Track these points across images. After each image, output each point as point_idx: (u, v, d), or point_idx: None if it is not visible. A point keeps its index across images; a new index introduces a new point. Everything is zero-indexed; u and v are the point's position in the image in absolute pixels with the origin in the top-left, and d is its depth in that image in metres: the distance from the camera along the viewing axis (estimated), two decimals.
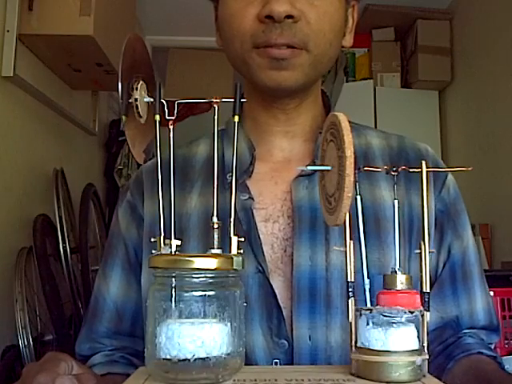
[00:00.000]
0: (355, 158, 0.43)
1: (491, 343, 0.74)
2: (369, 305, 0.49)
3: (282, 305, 0.66)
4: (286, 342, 0.65)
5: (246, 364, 0.48)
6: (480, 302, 0.73)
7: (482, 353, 0.68)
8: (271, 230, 0.70)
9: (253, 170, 0.73)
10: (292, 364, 0.65)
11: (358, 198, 0.51)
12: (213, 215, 0.48)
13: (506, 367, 0.67)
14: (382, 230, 0.69)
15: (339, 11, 0.69)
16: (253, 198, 0.70)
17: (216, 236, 0.47)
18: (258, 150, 0.74)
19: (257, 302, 0.66)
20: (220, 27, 0.72)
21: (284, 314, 0.66)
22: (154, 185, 0.54)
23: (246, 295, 0.65)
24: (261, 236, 0.68)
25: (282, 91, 0.70)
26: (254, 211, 0.70)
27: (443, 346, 0.70)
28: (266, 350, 0.65)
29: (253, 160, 0.73)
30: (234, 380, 0.45)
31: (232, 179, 0.49)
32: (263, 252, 0.68)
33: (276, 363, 0.65)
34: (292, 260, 0.67)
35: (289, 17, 0.64)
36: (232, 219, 0.47)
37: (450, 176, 0.76)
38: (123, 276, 0.75)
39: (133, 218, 0.76)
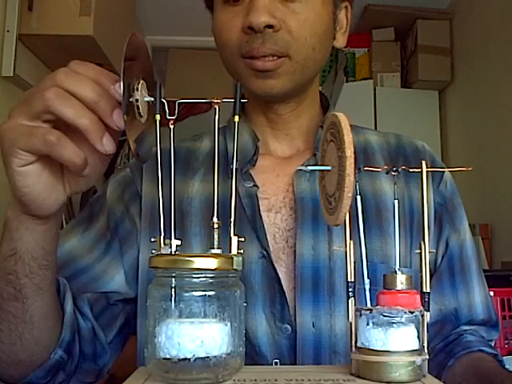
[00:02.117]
0: (355, 157, 0.43)
1: (491, 340, 0.75)
2: (369, 304, 0.49)
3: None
4: (289, 327, 0.66)
5: (248, 348, 0.48)
6: (478, 295, 0.74)
7: (482, 350, 0.68)
8: (273, 221, 0.71)
9: (257, 159, 0.74)
10: (295, 350, 0.65)
11: (358, 197, 0.51)
12: (213, 215, 0.48)
13: (506, 367, 0.67)
14: (383, 220, 0.71)
15: (322, 16, 0.70)
16: (257, 186, 0.72)
17: (216, 236, 0.47)
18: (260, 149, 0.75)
19: (260, 288, 0.67)
20: (214, 35, 0.74)
21: (288, 301, 0.66)
22: (154, 169, 0.51)
23: (249, 281, 0.66)
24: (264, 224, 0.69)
25: (271, 98, 0.72)
26: (258, 199, 0.71)
27: (444, 344, 0.71)
28: (269, 334, 0.66)
29: (256, 150, 0.74)
30: (234, 380, 0.45)
31: (232, 178, 0.49)
32: (267, 237, 0.68)
33: (276, 363, 0.65)
34: (295, 251, 0.68)
35: (269, 26, 0.66)
36: (232, 219, 0.47)
37: (446, 172, 0.78)
38: (92, 239, 0.71)
39: (126, 192, 0.74)
